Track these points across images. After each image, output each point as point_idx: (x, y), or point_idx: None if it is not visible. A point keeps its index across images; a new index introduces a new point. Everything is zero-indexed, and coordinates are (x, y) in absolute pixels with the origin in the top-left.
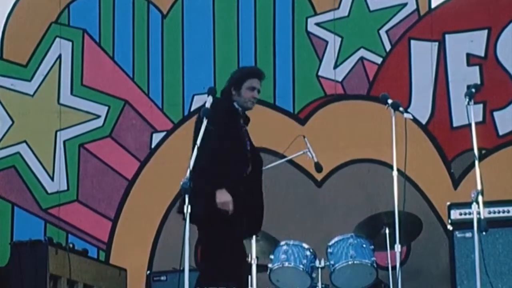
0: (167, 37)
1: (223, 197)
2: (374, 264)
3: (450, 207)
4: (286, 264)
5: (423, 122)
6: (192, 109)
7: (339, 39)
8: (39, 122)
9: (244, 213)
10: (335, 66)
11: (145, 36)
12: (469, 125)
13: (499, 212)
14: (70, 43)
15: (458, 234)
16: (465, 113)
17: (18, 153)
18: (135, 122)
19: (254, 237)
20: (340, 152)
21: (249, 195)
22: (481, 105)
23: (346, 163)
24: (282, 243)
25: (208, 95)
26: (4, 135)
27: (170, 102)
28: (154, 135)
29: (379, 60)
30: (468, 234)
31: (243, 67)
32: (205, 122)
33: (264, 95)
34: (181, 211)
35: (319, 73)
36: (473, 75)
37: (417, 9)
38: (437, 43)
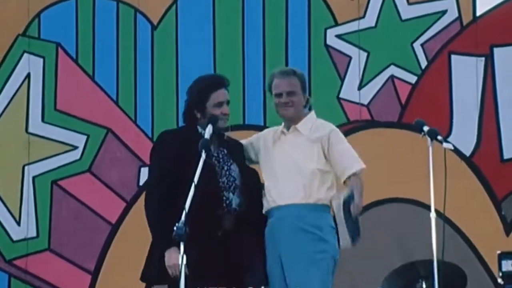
0: (158, 52)
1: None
2: None
3: (501, 257)
4: None
5: (467, 153)
6: None
7: (365, 54)
8: (3, 155)
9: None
10: (360, 87)
11: (132, 51)
12: None
13: None
14: (41, 59)
15: None
16: None
17: None
18: (120, 154)
19: None
20: (367, 190)
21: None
22: None
23: (374, 203)
24: None
25: (208, 124)
26: None
27: (161, 130)
28: (142, 169)
29: (413, 79)
30: None
31: (199, 80)
32: (203, 155)
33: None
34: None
35: (341, 95)
36: None
37: (459, 18)
38: (483, 58)
